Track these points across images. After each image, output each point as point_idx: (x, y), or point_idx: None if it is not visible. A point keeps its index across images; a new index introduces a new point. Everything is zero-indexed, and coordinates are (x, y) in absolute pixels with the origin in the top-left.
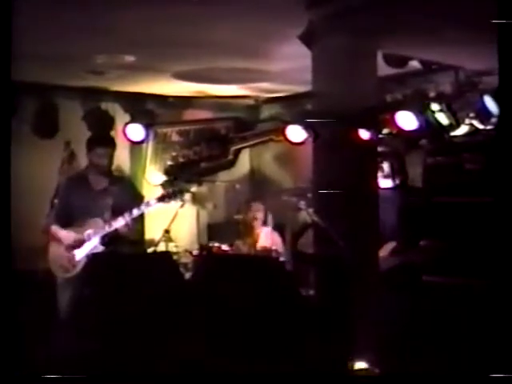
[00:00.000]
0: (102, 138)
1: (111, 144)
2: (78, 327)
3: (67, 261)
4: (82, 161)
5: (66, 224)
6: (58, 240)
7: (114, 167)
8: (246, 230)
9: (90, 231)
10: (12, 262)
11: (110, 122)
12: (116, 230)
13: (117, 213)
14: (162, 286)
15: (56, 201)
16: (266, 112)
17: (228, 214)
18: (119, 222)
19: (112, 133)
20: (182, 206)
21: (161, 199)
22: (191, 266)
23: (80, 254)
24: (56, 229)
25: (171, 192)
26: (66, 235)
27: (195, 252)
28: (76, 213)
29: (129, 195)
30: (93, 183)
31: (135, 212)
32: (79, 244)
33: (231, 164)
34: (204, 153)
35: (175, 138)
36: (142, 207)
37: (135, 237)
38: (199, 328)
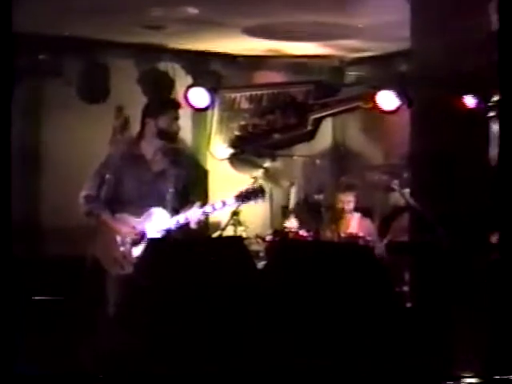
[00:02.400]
0: (169, 100)
1: (178, 107)
2: (132, 322)
3: (122, 256)
4: (137, 130)
5: (117, 210)
6: (111, 230)
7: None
8: (332, 215)
9: (151, 224)
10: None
11: (169, 85)
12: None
13: (180, 200)
14: (230, 278)
15: (107, 177)
16: (353, 75)
17: (307, 194)
18: (189, 219)
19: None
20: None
21: (239, 198)
22: (263, 255)
23: (138, 250)
24: (108, 216)
25: (251, 190)
26: (122, 227)
27: (268, 237)
28: (130, 197)
29: (192, 177)
30: (150, 161)
31: (209, 210)
32: (138, 238)
33: (310, 135)
34: (278, 122)
35: (244, 104)
36: (218, 207)
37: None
38: (274, 325)
